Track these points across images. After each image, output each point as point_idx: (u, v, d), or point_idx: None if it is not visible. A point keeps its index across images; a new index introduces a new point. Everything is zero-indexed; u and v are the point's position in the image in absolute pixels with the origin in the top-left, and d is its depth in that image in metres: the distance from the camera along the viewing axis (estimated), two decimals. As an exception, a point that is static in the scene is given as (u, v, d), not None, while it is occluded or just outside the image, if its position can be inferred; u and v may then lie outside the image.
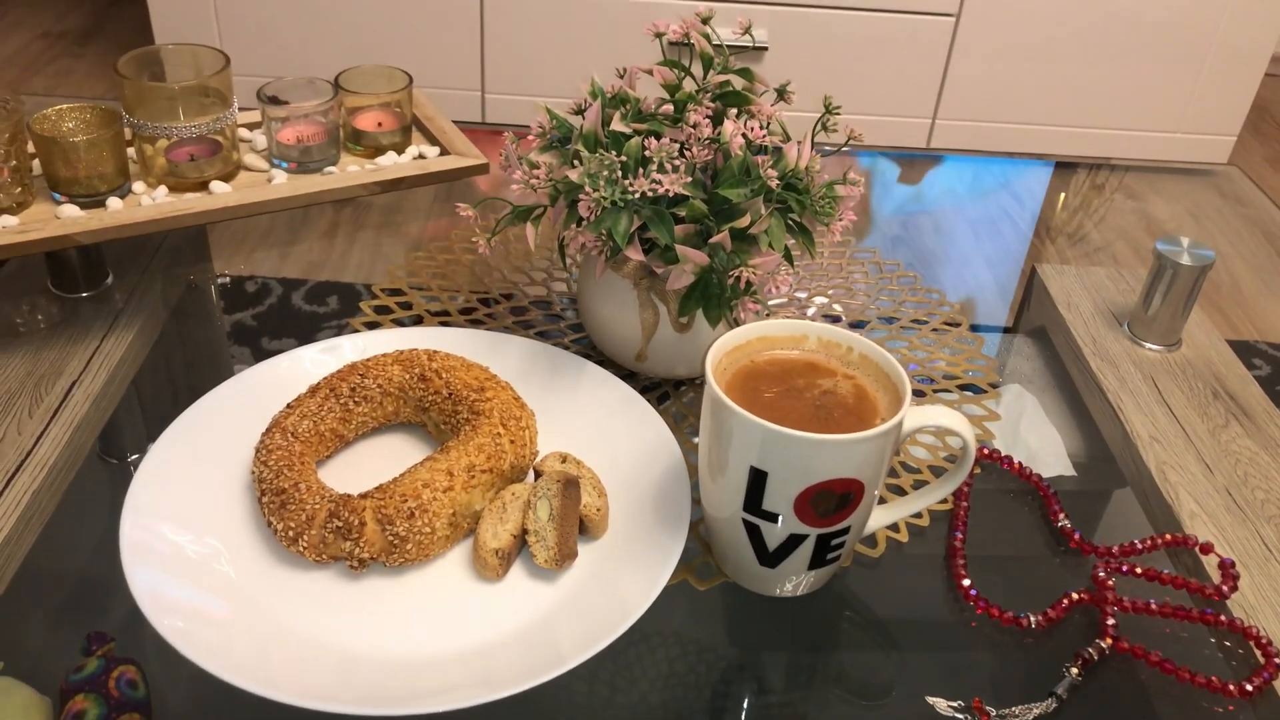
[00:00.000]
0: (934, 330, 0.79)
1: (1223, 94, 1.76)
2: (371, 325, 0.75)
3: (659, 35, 0.63)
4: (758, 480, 0.50)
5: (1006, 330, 0.83)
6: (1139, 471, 0.68)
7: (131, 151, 0.79)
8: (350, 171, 0.82)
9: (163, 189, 0.77)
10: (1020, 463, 0.66)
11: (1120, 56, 1.72)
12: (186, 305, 0.78)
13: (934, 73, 1.73)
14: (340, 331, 0.74)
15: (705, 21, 0.63)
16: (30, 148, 0.76)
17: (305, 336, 0.74)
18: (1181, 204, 1.09)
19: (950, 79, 1.74)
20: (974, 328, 0.81)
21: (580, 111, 0.61)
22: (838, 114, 0.62)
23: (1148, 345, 0.80)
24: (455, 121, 0.90)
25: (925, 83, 1.74)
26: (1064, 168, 1.16)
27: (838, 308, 0.81)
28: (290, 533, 0.53)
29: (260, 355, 0.72)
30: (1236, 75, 1.74)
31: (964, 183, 1.08)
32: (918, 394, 0.72)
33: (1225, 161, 1.83)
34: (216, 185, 0.78)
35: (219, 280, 0.81)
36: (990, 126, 1.79)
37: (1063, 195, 1.08)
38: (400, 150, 0.84)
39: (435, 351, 0.63)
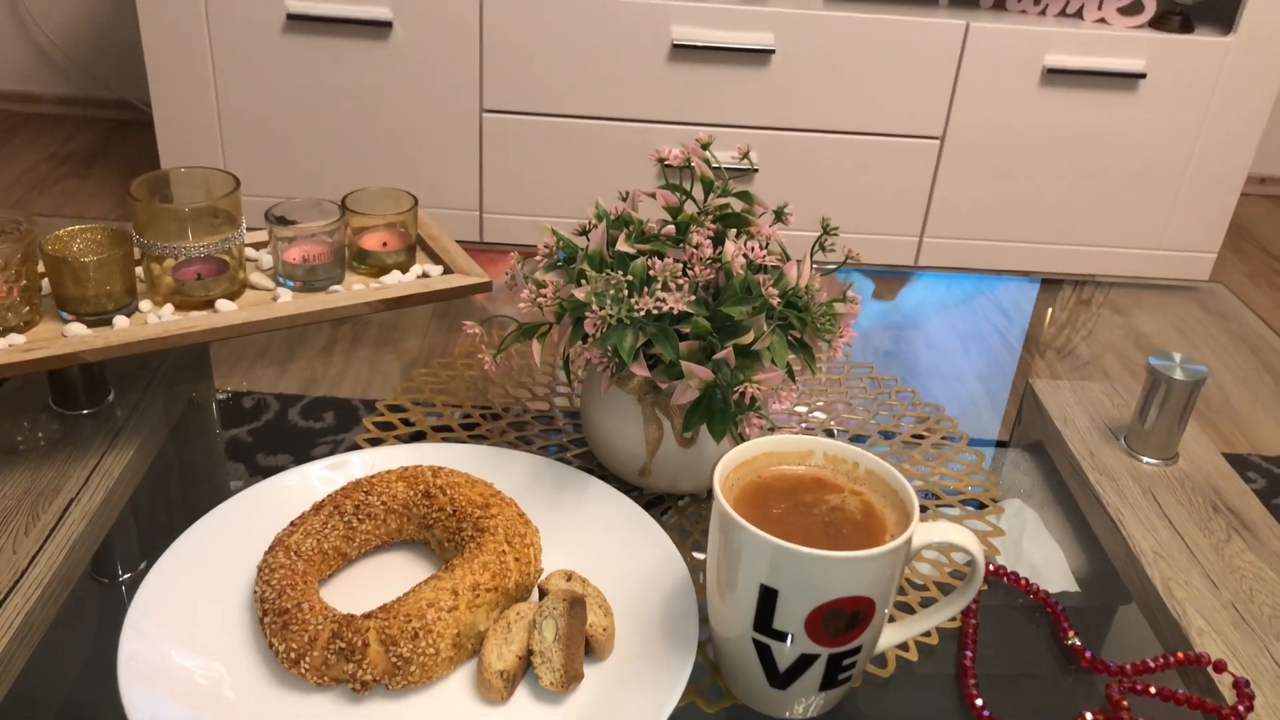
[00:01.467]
0: (934, 445, 0.80)
1: (1201, 213, 1.81)
2: (374, 441, 0.75)
3: (661, 160, 0.65)
4: (768, 598, 0.50)
5: (1002, 444, 0.84)
6: (1144, 587, 0.68)
7: (139, 270, 0.80)
8: (355, 290, 0.83)
9: (169, 307, 0.78)
10: (1026, 579, 0.66)
11: (1100, 177, 1.77)
12: (186, 422, 0.78)
13: (920, 193, 1.78)
14: (336, 448, 0.74)
15: (705, 147, 0.65)
16: (40, 267, 0.77)
17: (301, 453, 0.74)
18: (1168, 319, 1.11)
19: (936, 199, 1.79)
20: (971, 442, 0.81)
21: (585, 233, 0.63)
22: (835, 234, 0.64)
23: (1145, 459, 0.80)
24: (456, 241, 0.91)
25: (912, 203, 1.79)
26: (1050, 284, 1.18)
27: (833, 425, 0.81)
28: (292, 654, 0.52)
29: (256, 471, 0.72)
30: (1213, 195, 1.79)
31: (953, 299, 1.10)
32: (921, 509, 0.72)
33: (1207, 278, 1.87)
34: (222, 303, 0.79)
35: (219, 396, 0.81)
36: (976, 244, 1.83)
37: (1050, 311, 1.10)
38: (404, 269, 0.86)
39: (440, 467, 0.63)
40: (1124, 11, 1.71)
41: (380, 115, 1.71)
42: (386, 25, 1.64)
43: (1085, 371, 0.96)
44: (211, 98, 1.70)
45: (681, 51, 1.66)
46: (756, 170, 1.74)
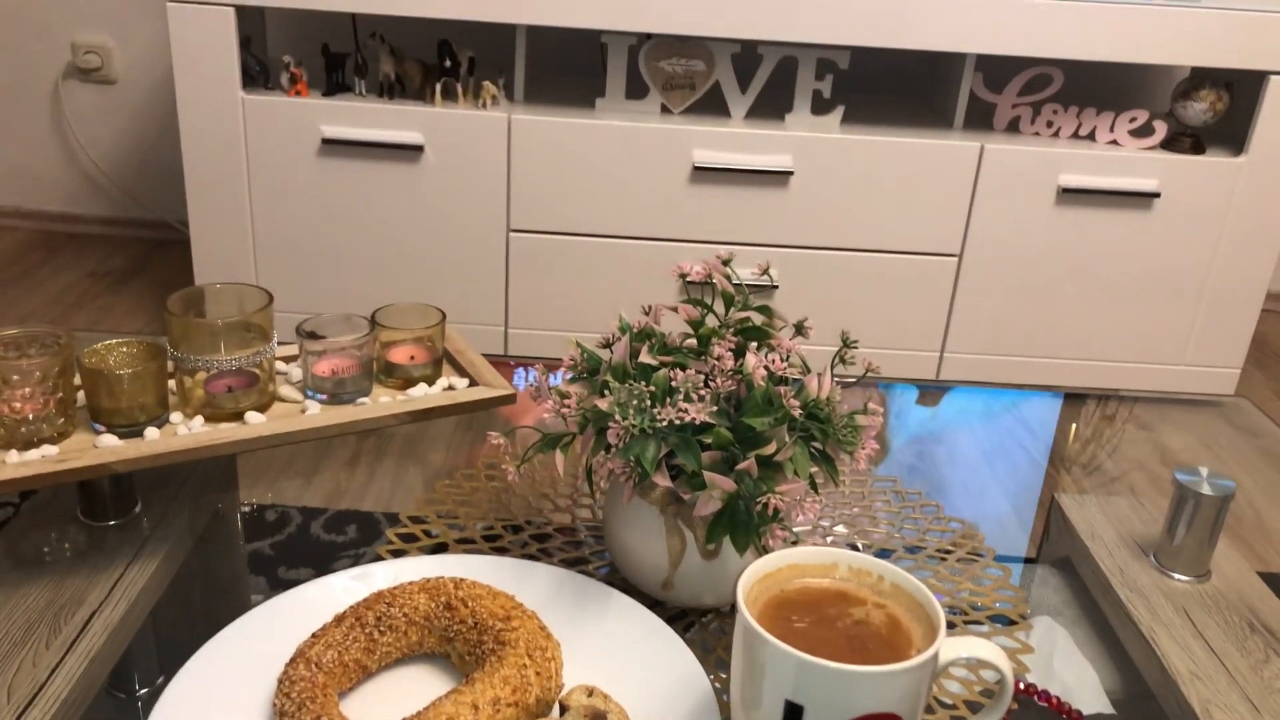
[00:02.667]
0: (960, 560, 0.79)
1: (1223, 329, 1.81)
2: (397, 553, 0.75)
3: (683, 276, 0.66)
4: (793, 714, 0.49)
5: (1030, 561, 0.82)
6: (1182, 710, 0.66)
7: (172, 383, 0.82)
8: (382, 402, 0.84)
9: (199, 419, 0.79)
10: (1058, 698, 0.64)
11: (1119, 293, 1.79)
12: (211, 533, 0.78)
13: (940, 309, 1.80)
14: (357, 561, 0.74)
15: (726, 264, 0.67)
16: (76, 380, 0.78)
17: (322, 566, 0.74)
18: (1194, 434, 1.11)
19: (956, 315, 1.80)
20: (997, 558, 0.80)
21: (609, 345, 0.64)
22: (855, 347, 0.65)
23: (1176, 576, 0.79)
24: (482, 355, 0.93)
25: (932, 318, 1.80)
26: (1073, 398, 1.18)
27: (857, 539, 0.81)
28: (309, 770, 0.51)
29: (276, 585, 0.72)
30: (1234, 311, 1.80)
31: (975, 413, 1.10)
32: (948, 625, 0.71)
33: (1232, 393, 1.86)
34: (251, 416, 0.80)
35: (243, 509, 0.82)
36: (998, 359, 1.84)
37: (1074, 426, 1.10)
38: (431, 382, 0.87)
39: (462, 580, 0.63)
40: (1135, 134, 1.75)
41: (410, 234, 1.76)
42: (418, 149, 1.70)
43: (1112, 488, 0.95)
44: (247, 218, 1.76)
45: (703, 174, 1.71)
46: (777, 286, 1.76)
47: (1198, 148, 1.74)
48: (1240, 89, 1.73)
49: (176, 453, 0.75)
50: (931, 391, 1.16)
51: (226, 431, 0.77)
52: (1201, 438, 1.10)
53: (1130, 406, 1.15)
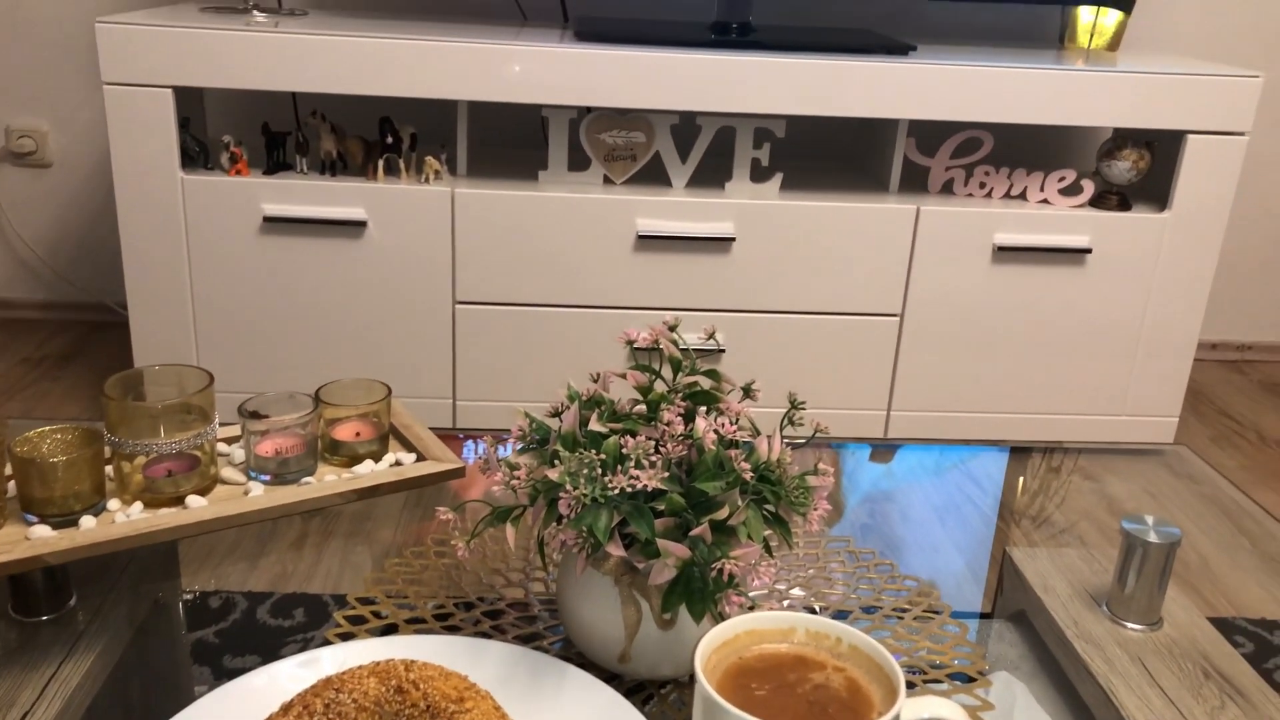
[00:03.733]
0: (916, 619, 0.79)
1: (1158, 379, 1.86)
2: (346, 636, 0.73)
3: (630, 343, 0.67)
4: (756, 785, 0.48)
5: (986, 616, 0.82)
6: (1144, 760, 0.66)
7: (109, 469, 0.80)
8: (327, 481, 0.83)
9: (138, 505, 0.77)
10: (1022, 755, 0.64)
11: (1057, 347, 1.82)
12: (151, 624, 0.75)
13: (885, 368, 1.82)
14: (306, 645, 0.72)
15: (672, 329, 0.67)
16: (7, 469, 0.76)
17: (269, 653, 0.71)
18: (1137, 483, 1.12)
19: (900, 373, 1.82)
20: (953, 614, 0.80)
21: (558, 414, 0.64)
22: (803, 408, 0.65)
23: (1130, 625, 0.79)
24: (429, 428, 0.92)
25: (878, 377, 1.82)
26: (1019, 452, 1.20)
27: (814, 601, 0.80)
28: None
29: (221, 674, 0.69)
30: (1168, 361, 1.85)
31: (925, 470, 1.10)
32: (908, 685, 0.71)
33: (1171, 441, 1.90)
34: (192, 500, 0.78)
35: (185, 596, 0.79)
36: (943, 416, 1.86)
37: (1022, 479, 1.11)
38: (377, 458, 0.86)
39: (412, 661, 0.61)
40: (1065, 193, 1.80)
41: (355, 310, 1.74)
42: (361, 225, 1.70)
43: (1062, 539, 0.96)
44: (187, 298, 1.73)
45: (647, 242, 1.72)
46: (724, 350, 1.77)
47: (1124, 205, 1.80)
48: (1161, 148, 1.80)
49: (113, 541, 0.72)
50: (883, 450, 1.17)
51: (166, 517, 0.75)
52: (1145, 486, 1.11)
53: (1075, 458, 1.17)
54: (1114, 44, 2.00)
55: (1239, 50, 2.17)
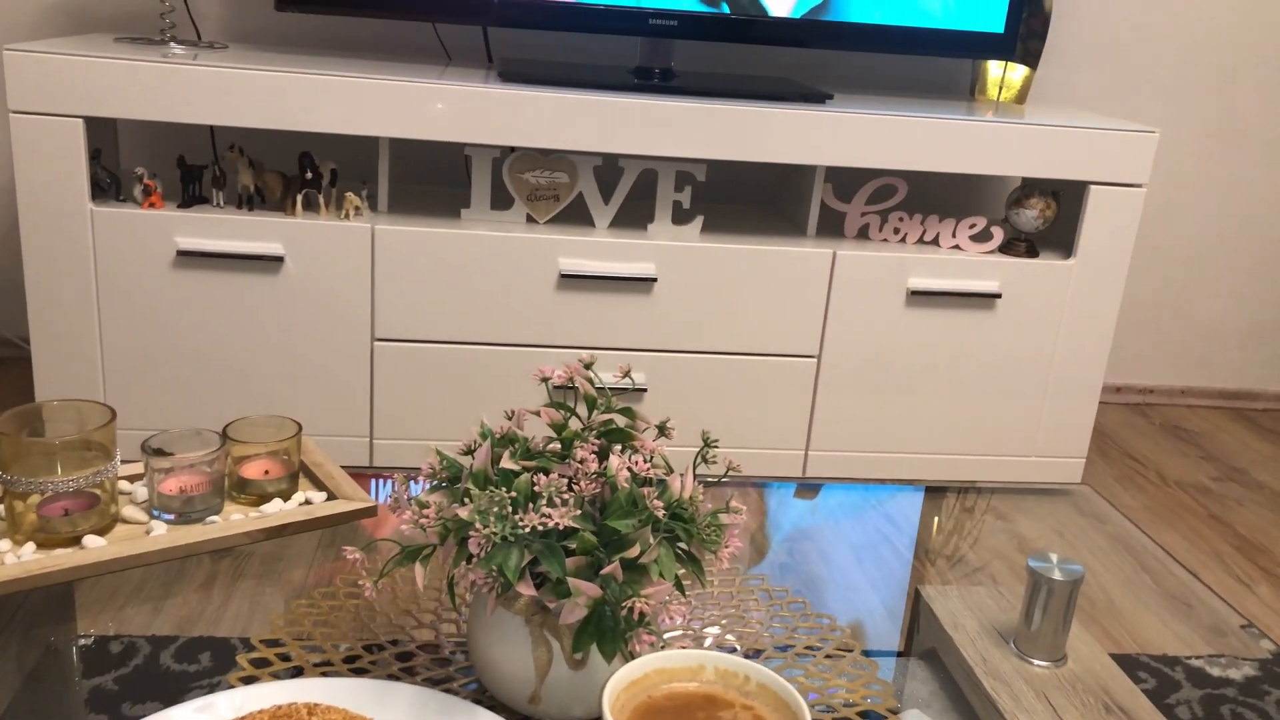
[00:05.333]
0: (827, 656, 0.79)
1: (1065, 421, 1.91)
2: (249, 680, 0.71)
3: (545, 380, 0.67)
4: (663, 826, 0.47)
5: (899, 654, 0.83)
6: (1048, 793, 0.67)
7: (1, 509, 0.77)
8: (233, 520, 0.81)
9: (30, 546, 0.74)
10: (930, 791, 0.64)
11: (969, 389, 1.87)
12: (43, 670, 0.72)
13: (803, 408, 1.85)
14: (212, 690, 0.70)
15: (588, 367, 0.67)
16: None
17: (171, 699, 0.69)
18: (1046, 523, 1.15)
19: (818, 413, 1.85)
20: (867, 653, 0.81)
21: (470, 452, 0.63)
22: (715, 446, 0.66)
23: (1035, 662, 0.81)
24: (343, 467, 0.90)
25: (796, 417, 1.85)
26: (934, 492, 1.22)
27: (731, 637, 0.80)
28: None
29: (120, 721, 0.66)
30: (1074, 404, 1.91)
31: (842, 510, 1.12)
32: (819, 724, 0.71)
33: (1079, 481, 1.95)
34: (89, 539, 0.76)
35: (81, 641, 0.76)
36: (860, 456, 1.89)
37: (936, 519, 1.13)
38: (286, 497, 0.84)
39: (316, 705, 0.60)
40: (975, 239, 1.86)
41: (270, 347, 1.71)
42: (278, 260, 1.67)
43: (975, 578, 0.98)
44: (94, 333, 1.68)
45: (569, 281, 1.73)
46: (645, 390, 1.78)
47: (1032, 251, 1.86)
48: (1066, 197, 1.87)
49: (2, 584, 0.69)
50: (807, 488, 1.18)
51: (60, 558, 0.73)
52: (1054, 525, 1.14)
53: (988, 498, 1.19)
54: (1021, 97, 2.08)
55: (1136, 105, 2.27)
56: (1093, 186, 1.80)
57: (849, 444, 1.88)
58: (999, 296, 1.82)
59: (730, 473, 0.67)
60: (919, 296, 1.81)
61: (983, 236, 1.86)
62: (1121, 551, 1.09)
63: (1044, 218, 1.85)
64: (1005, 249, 1.86)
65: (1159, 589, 1.01)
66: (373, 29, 2.06)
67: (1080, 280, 1.84)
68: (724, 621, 0.82)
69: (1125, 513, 1.93)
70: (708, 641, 0.80)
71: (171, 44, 1.76)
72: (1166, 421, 2.39)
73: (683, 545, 0.63)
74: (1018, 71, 2.06)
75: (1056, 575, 0.80)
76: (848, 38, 1.82)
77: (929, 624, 0.87)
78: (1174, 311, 2.43)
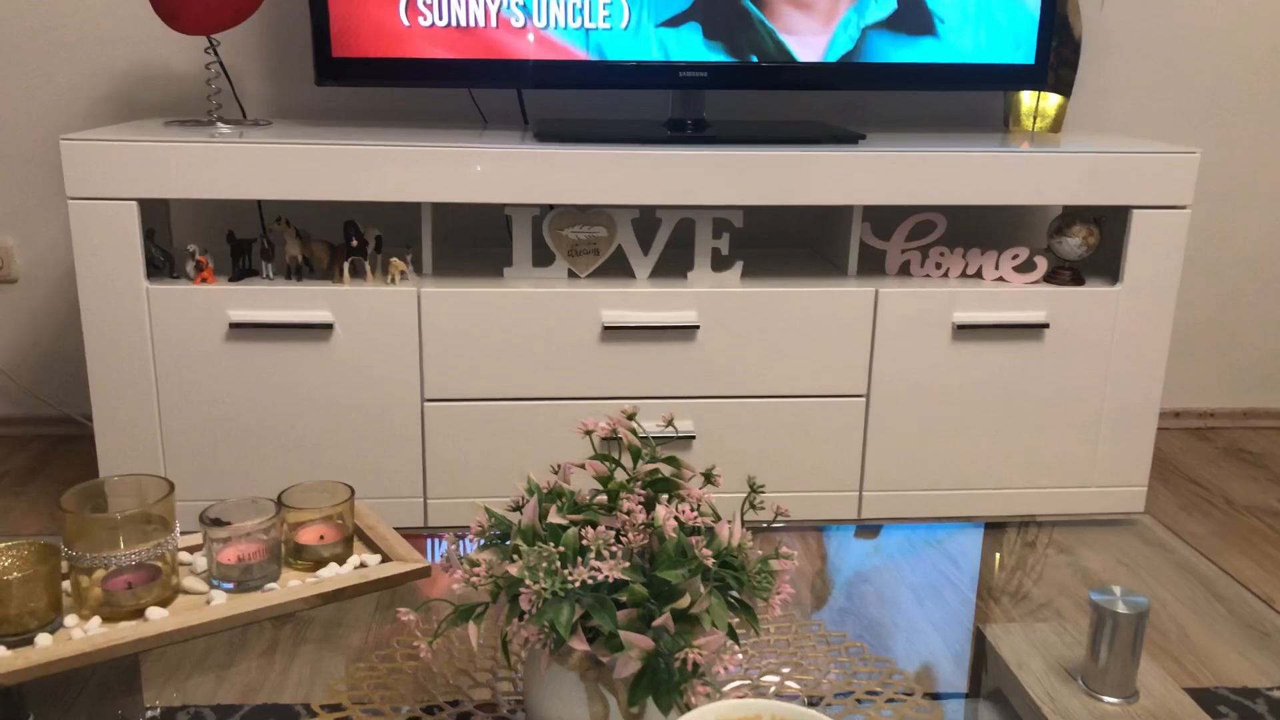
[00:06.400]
0: (889, 701, 0.78)
1: (1123, 449, 1.87)
2: (309, 747, 0.71)
3: (589, 433, 0.67)
4: None
5: (965, 696, 0.82)
6: (1126, 836, 0.65)
7: (67, 584, 0.78)
8: (291, 586, 0.82)
9: (96, 620, 0.76)
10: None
11: (1022, 421, 1.84)
12: (110, 742, 0.73)
13: (854, 449, 1.83)
14: (275, 757, 0.70)
15: (630, 418, 0.68)
16: (-38, 588, 0.75)
17: (237, 766, 0.70)
18: (1111, 554, 1.13)
19: (870, 453, 1.83)
20: (933, 695, 0.80)
21: (518, 508, 0.64)
22: (762, 492, 0.66)
23: (1105, 699, 0.79)
24: (398, 528, 0.91)
25: (847, 458, 1.83)
26: (994, 528, 1.20)
27: (792, 684, 0.79)
28: None
29: (187, 791, 0.67)
30: (1131, 431, 1.87)
31: (901, 550, 1.10)
32: (884, 771, 0.70)
33: (1141, 510, 1.91)
34: (152, 611, 0.77)
35: (149, 713, 0.77)
36: (916, 495, 1.86)
37: (998, 555, 1.11)
38: (341, 561, 0.85)
39: (377, 768, 0.60)
40: (1019, 270, 1.84)
41: (322, 412, 1.74)
42: (328, 328, 1.70)
43: (1041, 614, 0.96)
44: (153, 408, 1.72)
45: (612, 333, 1.74)
46: (694, 437, 1.78)
47: (1078, 279, 1.84)
48: (1108, 223, 1.85)
49: (70, 659, 0.71)
50: (867, 529, 1.17)
51: (125, 631, 0.74)
52: (1118, 557, 1.12)
53: (1050, 531, 1.17)
54: (1056, 125, 2.07)
55: (1172, 128, 2.25)
56: (1135, 211, 1.78)
57: (904, 483, 1.85)
58: (1047, 326, 1.80)
59: (779, 517, 0.67)
60: (965, 330, 1.79)
61: (1026, 267, 1.84)
62: (1192, 580, 1.07)
63: (1087, 245, 1.83)
64: (1050, 278, 1.84)
65: (1233, 618, 0.98)
66: (411, 98, 2.11)
67: (1129, 306, 1.82)
68: (784, 669, 0.81)
69: (1193, 540, 1.88)
70: (772, 690, 0.79)
71: (218, 124, 1.82)
72: (1230, 445, 2.33)
73: (734, 594, 0.62)
74: (1051, 100, 2.05)
75: (1121, 608, 0.78)
76: (877, 78, 1.83)
77: (994, 664, 0.85)
78: (1232, 333, 2.38)
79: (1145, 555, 1.13)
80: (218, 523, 0.83)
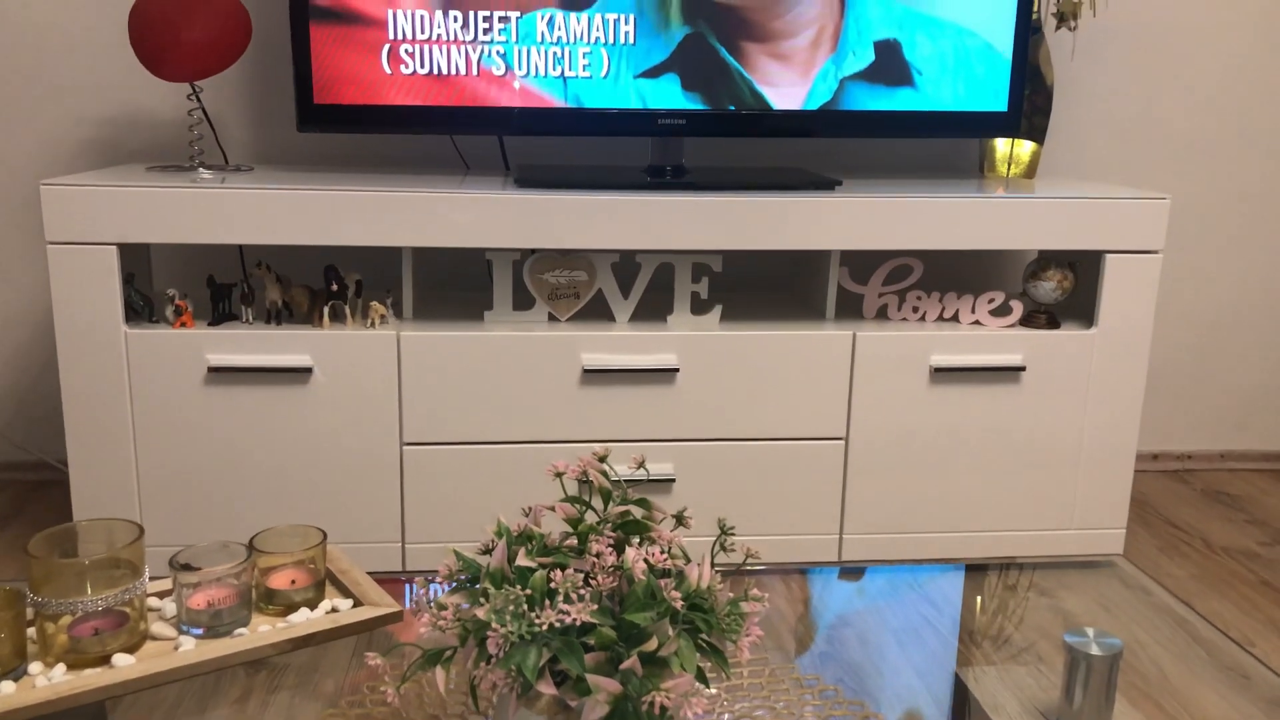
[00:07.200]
0: (865, 745, 0.77)
1: (1101, 491, 1.88)
2: (275, 796, 0.70)
3: (559, 475, 0.67)
4: None
5: (943, 739, 0.81)
6: None
7: (32, 631, 0.78)
8: (261, 632, 0.81)
9: (61, 667, 0.75)
10: None
11: (1000, 464, 1.85)
12: (73, 793, 0.72)
13: (834, 491, 1.83)
14: (241, 806, 0.69)
15: (602, 460, 0.68)
16: (-75, 635, 0.74)
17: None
18: (1090, 596, 1.13)
19: (850, 496, 1.83)
20: (905, 739, 0.79)
21: (488, 551, 0.64)
22: (733, 534, 0.66)
23: (1080, 741, 0.79)
24: (375, 572, 0.91)
25: (827, 501, 1.83)
26: (975, 569, 1.20)
27: (765, 730, 0.79)
28: None
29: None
30: (1109, 474, 1.88)
31: (881, 593, 1.10)
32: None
33: (1120, 552, 1.91)
34: (119, 658, 0.76)
35: (112, 761, 0.76)
36: (896, 537, 1.86)
37: (978, 599, 1.11)
38: (313, 606, 0.84)
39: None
40: (995, 313, 1.86)
41: (300, 456, 1.73)
42: (306, 371, 1.70)
43: (1021, 658, 0.96)
44: (130, 452, 1.71)
45: (593, 376, 1.74)
46: (673, 480, 1.78)
47: (1053, 323, 1.85)
48: (1083, 267, 1.87)
49: (34, 706, 0.70)
50: (851, 571, 1.16)
51: (90, 679, 0.73)
52: (1098, 599, 1.12)
53: (1030, 574, 1.17)
54: (1031, 171, 2.10)
55: (1143, 173, 2.29)
56: (1108, 255, 1.81)
57: (884, 525, 1.85)
58: (1023, 369, 1.82)
59: (749, 559, 0.67)
60: (943, 373, 1.80)
61: (1002, 310, 1.86)
62: (1170, 623, 1.07)
63: (1062, 289, 1.85)
64: (1026, 322, 1.86)
65: (1213, 661, 0.98)
66: (393, 143, 2.13)
67: (1104, 349, 1.83)
68: (758, 713, 0.81)
69: (1173, 582, 1.88)
70: (740, 735, 0.78)
71: (200, 169, 1.83)
72: (1208, 487, 2.34)
73: (705, 637, 0.62)
74: (1025, 146, 2.08)
75: (1094, 650, 0.78)
76: (854, 126, 1.86)
77: (972, 707, 0.85)
78: (1208, 375, 2.40)
79: (1124, 597, 1.13)
80: (188, 567, 0.82)
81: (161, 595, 0.86)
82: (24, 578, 0.79)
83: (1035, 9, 1.94)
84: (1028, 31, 1.85)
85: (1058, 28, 2.04)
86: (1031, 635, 1.02)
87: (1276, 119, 2.28)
